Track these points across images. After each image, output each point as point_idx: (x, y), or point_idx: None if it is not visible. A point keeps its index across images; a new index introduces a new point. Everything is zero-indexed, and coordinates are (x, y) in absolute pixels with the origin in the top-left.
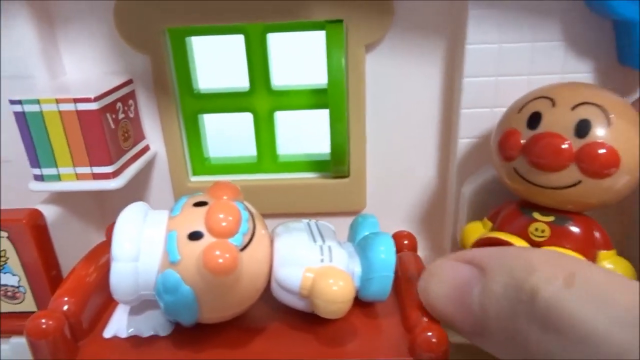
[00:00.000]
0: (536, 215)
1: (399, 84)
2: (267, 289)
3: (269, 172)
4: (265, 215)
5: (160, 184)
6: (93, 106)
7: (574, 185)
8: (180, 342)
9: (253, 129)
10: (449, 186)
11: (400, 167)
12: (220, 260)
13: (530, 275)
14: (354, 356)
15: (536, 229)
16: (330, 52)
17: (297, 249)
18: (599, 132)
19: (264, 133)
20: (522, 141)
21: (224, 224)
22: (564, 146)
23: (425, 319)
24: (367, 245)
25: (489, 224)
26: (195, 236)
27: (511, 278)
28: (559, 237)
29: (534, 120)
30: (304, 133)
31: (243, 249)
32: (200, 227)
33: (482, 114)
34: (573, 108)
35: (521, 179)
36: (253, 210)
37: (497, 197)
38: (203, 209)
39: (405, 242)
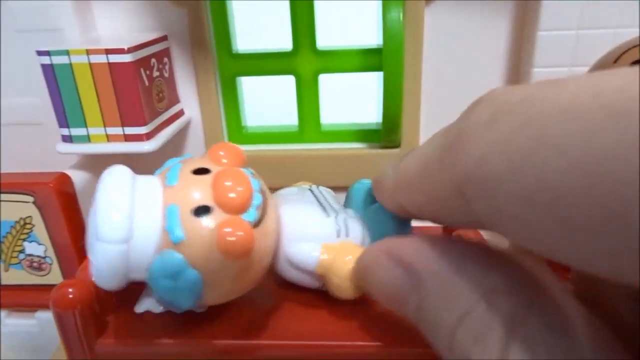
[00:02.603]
0: None
1: (460, 42)
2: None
3: (311, 142)
4: None
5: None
6: (127, 58)
7: None
8: (219, 318)
9: (295, 94)
10: None
11: None
12: (235, 240)
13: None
14: (388, 344)
15: None
16: (387, 5)
17: (309, 221)
18: None
19: (307, 98)
20: None
21: (236, 196)
22: None
23: None
24: (381, 218)
25: None
26: (202, 211)
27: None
28: None
29: None
30: (349, 100)
31: (257, 224)
32: (207, 201)
33: (558, 74)
34: None
35: None
36: (260, 178)
37: None
38: (206, 178)
39: None
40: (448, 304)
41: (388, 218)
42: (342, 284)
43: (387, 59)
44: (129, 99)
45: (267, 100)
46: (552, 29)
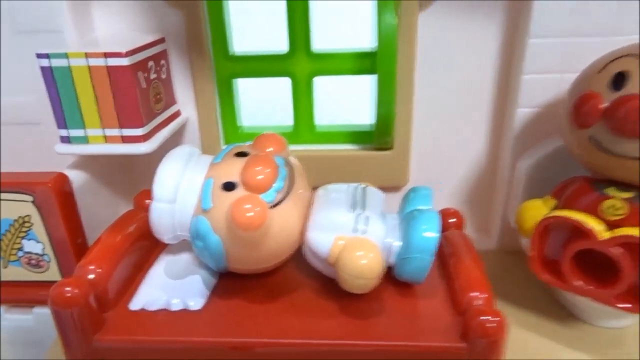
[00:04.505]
0: (611, 191)
1: (453, 47)
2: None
3: (306, 143)
4: None
5: None
6: (124, 61)
7: None
8: (211, 318)
9: (291, 96)
10: (502, 161)
11: (449, 139)
12: (249, 215)
13: None
14: (394, 339)
15: (611, 206)
16: (381, 10)
17: (332, 214)
18: None
19: (302, 100)
20: (602, 105)
21: (258, 178)
22: None
23: (479, 302)
24: (410, 221)
25: (552, 202)
26: (228, 187)
27: None
28: (638, 216)
29: (619, 80)
30: (342, 103)
31: (275, 205)
32: (235, 178)
33: (547, 80)
34: None
35: (598, 149)
36: (297, 166)
37: (559, 173)
38: (243, 160)
39: (452, 220)
40: None
41: (415, 225)
42: (348, 278)
43: (381, 62)
44: (127, 102)
45: (265, 101)
46: (542, 37)
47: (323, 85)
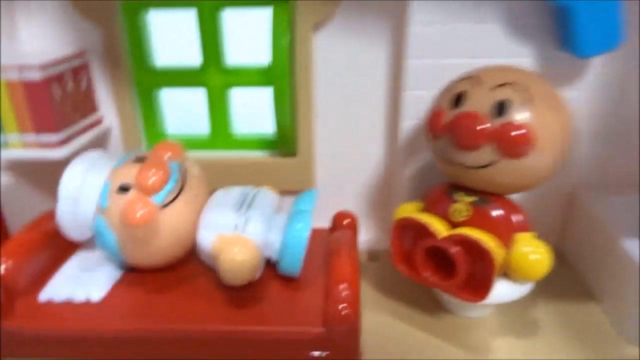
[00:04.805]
0: (459, 196)
1: (347, 64)
2: None
3: (221, 149)
4: None
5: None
6: (38, 74)
7: (490, 165)
8: (109, 308)
9: (206, 105)
10: (394, 167)
11: (350, 148)
12: (138, 214)
13: None
14: (268, 323)
15: (458, 210)
16: (274, 31)
17: (218, 214)
18: (516, 112)
19: (217, 110)
20: (445, 120)
21: (150, 181)
22: (482, 125)
23: (345, 293)
24: (287, 221)
25: (420, 205)
26: (123, 189)
27: None
28: (478, 218)
29: (458, 100)
30: (261, 112)
31: (165, 206)
32: (130, 181)
33: (424, 96)
34: (494, 88)
35: (445, 159)
36: (193, 171)
37: (435, 179)
38: (139, 165)
39: (346, 221)
40: None
41: (290, 225)
42: (225, 272)
43: (275, 77)
44: (41, 111)
45: (195, 108)
46: (419, 58)
47: (243, 95)
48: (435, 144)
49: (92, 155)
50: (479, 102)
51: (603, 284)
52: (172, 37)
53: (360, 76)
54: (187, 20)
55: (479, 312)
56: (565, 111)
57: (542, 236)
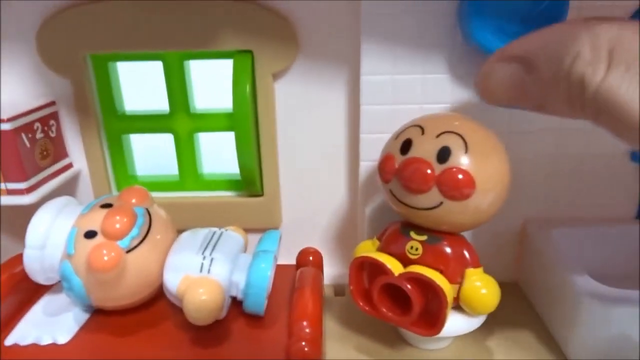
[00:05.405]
0: (412, 234)
1: (307, 110)
2: None
3: (190, 190)
4: None
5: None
6: (6, 126)
7: (437, 206)
8: (78, 351)
9: (174, 150)
10: (355, 206)
11: (314, 188)
12: (103, 260)
13: (575, 61)
14: (229, 356)
15: (411, 247)
16: (236, 80)
17: (182, 256)
18: (457, 158)
19: (185, 153)
20: (396, 165)
21: (115, 227)
22: (428, 171)
23: (307, 330)
24: (252, 261)
25: (377, 243)
26: (89, 235)
27: (557, 66)
28: (430, 255)
29: (406, 146)
30: (231, 153)
31: (130, 250)
32: (96, 227)
33: (379, 139)
34: (437, 136)
35: (396, 200)
36: (158, 214)
37: (394, 217)
38: (105, 211)
39: (311, 258)
40: (563, 53)
41: (253, 265)
42: (190, 312)
43: (237, 123)
44: (10, 160)
45: (163, 152)
46: (371, 104)
47: (210, 137)
48: (386, 186)
49: (60, 201)
50: (425, 149)
51: (554, 314)
52: (141, 84)
53: (321, 120)
54: (154, 68)
55: (438, 344)
56: (501, 154)
57: (498, 270)
